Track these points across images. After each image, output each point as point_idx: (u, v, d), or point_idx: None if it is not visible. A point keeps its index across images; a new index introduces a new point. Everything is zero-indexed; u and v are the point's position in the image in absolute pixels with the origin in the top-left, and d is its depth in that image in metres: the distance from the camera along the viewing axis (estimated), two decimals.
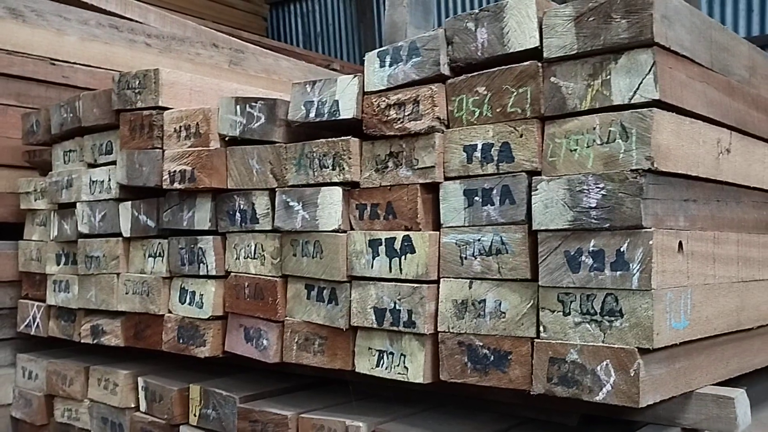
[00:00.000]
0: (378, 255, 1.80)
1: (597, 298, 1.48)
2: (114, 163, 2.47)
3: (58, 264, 2.75)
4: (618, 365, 1.44)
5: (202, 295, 2.21)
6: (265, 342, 2.06)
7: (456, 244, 1.69)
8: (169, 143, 2.27)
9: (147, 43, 3.76)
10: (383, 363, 1.80)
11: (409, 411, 1.97)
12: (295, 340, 1.99)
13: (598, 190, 1.48)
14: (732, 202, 1.76)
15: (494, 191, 1.63)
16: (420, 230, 1.75)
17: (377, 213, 1.84)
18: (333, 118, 1.91)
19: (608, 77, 1.49)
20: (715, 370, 1.69)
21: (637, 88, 1.45)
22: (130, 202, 2.43)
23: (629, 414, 1.65)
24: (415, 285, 1.73)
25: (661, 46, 1.45)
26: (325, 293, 1.92)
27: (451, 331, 1.68)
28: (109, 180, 2.49)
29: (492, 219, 1.64)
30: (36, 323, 2.88)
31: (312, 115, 1.95)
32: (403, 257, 1.76)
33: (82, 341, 2.64)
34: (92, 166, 2.59)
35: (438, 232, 1.73)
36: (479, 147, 1.67)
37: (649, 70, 1.44)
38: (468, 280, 1.66)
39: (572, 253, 1.51)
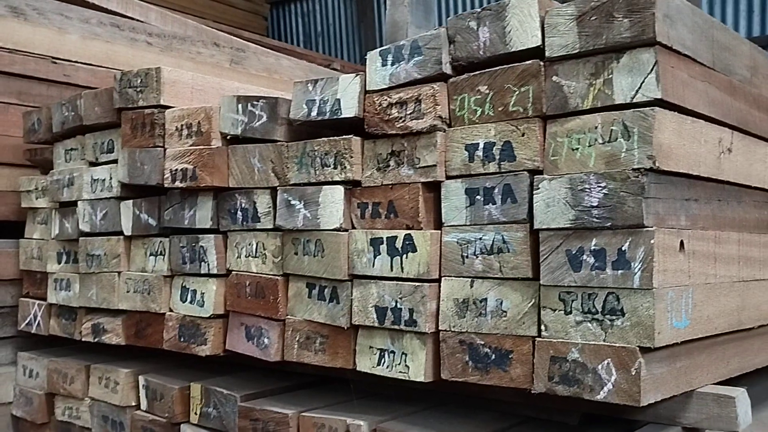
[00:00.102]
0: (379, 254, 1.81)
1: (598, 297, 1.48)
2: (115, 161, 2.47)
3: (59, 262, 2.75)
4: (619, 364, 1.44)
5: (203, 293, 2.21)
6: (266, 340, 2.06)
7: (457, 243, 1.69)
8: (171, 142, 2.27)
9: (148, 42, 3.76)
10: (384, 362, 1.80)
11: (410, 410, 1.97)
12: (296, 338, 2.00)
13: (599, 189, 1.48)
14: (733, 202, 1.77)
15: (496, 190, 1.63)
16: (421, 229, 1.75)
17: (379, 212, 1.84)
18: (335, 117, 1.91)
19: (610, 76, 1.49)
20: (716, 369, 1.69)
21: (639, 88, 1.46)
22: (131, 201, 2.43)
23: (630, 413, 1.65)
24: (417, 284, 1.73)
25: (663, 45, 1.46)
26: (327, 292, 1.92)
27: (452, 329, 1.68)
28: (111, 178, 2.49)
29: (493, 218, 1.64)
30: (37, 321, 2.88)
31: (314, 113, 1.95)
32: (404, 256, 1.76)
33: (82, 340, 2.64)
34: (93, 164, 2.59)
35: (439, 231, 1.73)
36: (481, 146, 1.67)
37: (651, 70, 1.44)
38: (469, 279, 1.67)
39: (574, 252, 1.51)
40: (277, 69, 4.32)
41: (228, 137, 2.17)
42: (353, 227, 1.89)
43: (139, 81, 2.36)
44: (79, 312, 2.66)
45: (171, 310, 2.32)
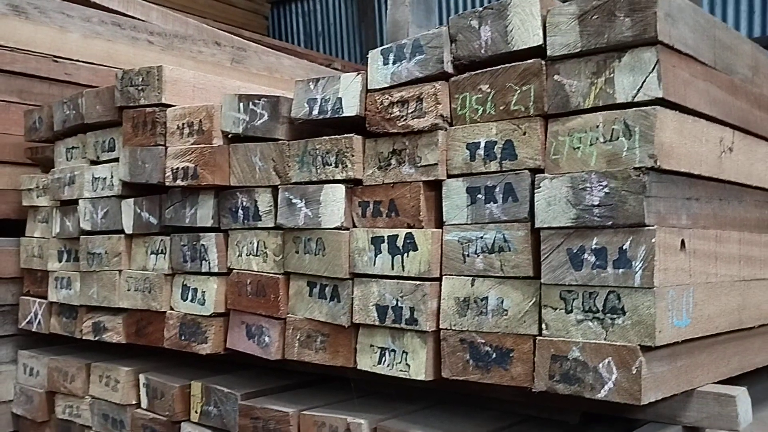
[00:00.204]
0: (380, 252, 1.81)
1: (599, 295, 1.48)
2: (116, 160, 2.47)
3: (60, 261, 2.75)
4: (620, 363, 1.44)
5: (204, 292, 2.21)
6: (266, 339, 2.06)
7: (458, 241, 1.69)
8: (172, 140, 2.27)
9: (149, 41, 3.76)
10: (385, 360, 1.80)
11: (410, 408, 1.97)
12: (297, 337, 2.00)
13: (601, 187, 1.48)
14: (734, 201, 1.77)
15: (497, 189, 1.64)
16: (422, 228, 1.75)
17: (380, 210, 1.84)
18: (336, 116, 1.91)
19: (612, 75, 1.49)
20: (717, 368, 1.70)
21: (641, 87, 1.46)
22: (132, 199, 2.43)
23: (630, 412, 1.65)
24: (418, 282, 1.73)
25: (664, 44, 1.46)
26: (328, 290, 1.92)
27: (453, 328, 1.68)
28: (112, 177, 2.49)
29: (495, 217, 1.64)
30: (37, 320, 2.88)
31: (315, 112, 1.95)
32: (405, 254, 1.76)
33: (83, 338, 2.65)
34: (95, 162, 2.60)
35: (440, 230, 1.73)
36: (482, 145, 1.67)
37: (653, 69, 1.44)
38: (470, 278, 1.67)
39: (575, 251, 1.51)
40: (278, 68, 4.32)
41: (229, 136, 2.17)
42: (354, 226, 1.89)
43: (140, 79, 2.36)
44: (80, 310, 2.67)
45: (172, 309, 2.32)
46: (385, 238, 1.80)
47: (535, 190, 1.57)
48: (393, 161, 1.82)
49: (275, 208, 2.04)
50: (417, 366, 1.74)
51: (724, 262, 1.68)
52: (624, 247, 1.45)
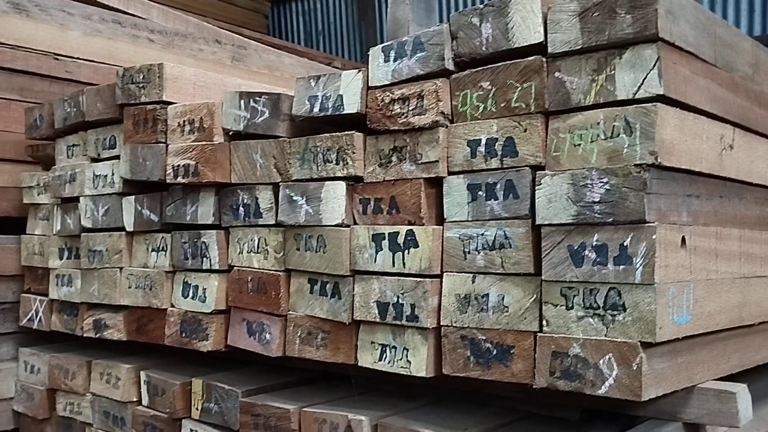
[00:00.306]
0: (381, 249, 1.81)
1: (600, 292, 1.49)
2: (117, 157, 2.47)
3: (61, 258, 2.76)
4: (620, 359, 1.44)
5: (205, 289, 2.21)
6: (267, 336, 2.07)
7: (459, 238, 1.69)
8: (173, 138, 2.27)
9: (150, 39, 3.77)
10: (386, 357, 1.80)
11: (411, 405, 1.98)
12: (298, 334, 2.00)
13: (601, 184, 1.48)
14: (735, 198, 1.77)
15: (498, 186, 1.64)
16: (423, 225, 1.75)
17: (381, 207, 1.84)
18: (337, 113, 1.91)
19: (612, 72, 1.50)
20: (717, 365, 1.70)
21: (642, 83, 1.46)
22: (133, 197, 2.44)
23: (631, 408, 1.66)
24: (418, 279, 1.73)
25: (665, 41, 1.46)
26: (328, 287, 1.93)
27: (454, 325, 1.69)
28: (113, 174, 2.49)
29: (495, 213, 1.64)
30: (38, 317, 2.88)
31: (316, 109, 1.96)
32: (406, 251, 1.77)
33: (84, 335, 2.65)
34: (95, 160, 2.60)
35: (441, 227, 1.73)
36: (483, 142, 1.67)
37: (654, 65, 1.45)
38: (471, 275, 1.67)
39: (575, 248, 1.51)
40: (278, 66, 4.32)
41: (230, 133, 2.17)
42: (355, 223, 1.89)
43: (141, 77, 2.36)
44: (81, 308, 2.67)
45: (172, 306, 2.32)
46: (386, 235, 1.80)
47: (536, 187, 1.57)
48: (394, 158, 1.82)
49: (276, 205, 2.04)
50: (418, 363, 1.74)
51: (725, 259, 1.68)
52: (625, 244, 1.45)
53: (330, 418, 1.91)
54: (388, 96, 1.81)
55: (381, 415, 1.87)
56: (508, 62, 1.64)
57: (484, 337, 1.64)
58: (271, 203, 2.06)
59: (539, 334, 1.56)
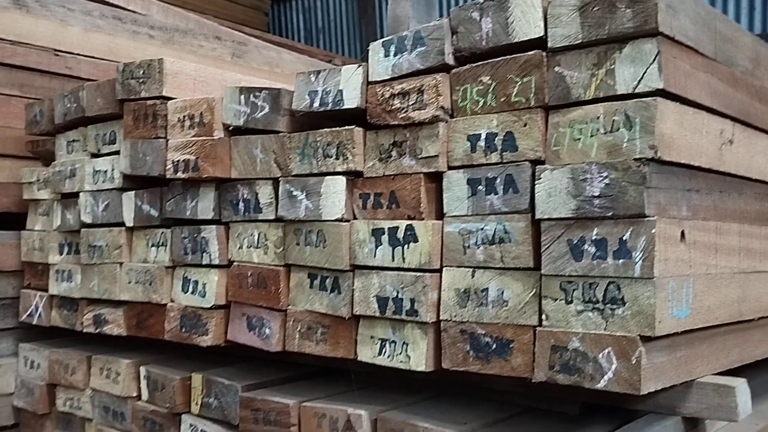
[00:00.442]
0: (381, 244, 1.81)
1: (599, 286, 1.49)
2: (117, 152, 2.47)
3: (61, 254, 2.76)
4: (620, 353, 1.44)
5: (205, 284, 2.21)
6: (267, 331, 2.07)
7: (459, 233, 1.69)
8: (173, 133, 2.27)
9: (150, 35, 3.76)
10: (386, 351, 1.81)
11: (410, 400, 1.98)
12: (298, 329, 2.00)
13: (601, 178, 1.48)
14: (734, 193, 1.77)
15: (498, 180, 1.64)
16: (423, 219, 1.75)
17: (380, 202, 1.84)
18: (337, 108, 1.91)
19: (612, 66, 1.50)
20: (717, 359, 1.70)
21: (642, 78, 1.46)
22: (133, 192, 2.44)
23: (630, 402, 1.66)
24: (418, 274, 1.74)
25: (665, 35, 1.46)
26: (328, 282, 1.93)
27: (453, 319, 1.69)
28: (113, 170, 2.49)
29: (495, 208, 1.64)
30: (38, 313, 2.89)
31: (316, 104, 1.96)
32: (406, 246, 1.77)
33: (84, 331, 2.65)
34: (95, 155, 2.60)
35: (441, 222, 1.73)
36: (483, 136, 1.67)
37: (654, 60, 1.45)
38: (471, 269, 1.67)
39: (575, 242, 1.51)
40: (278, 63, 4.32)
41: (230, 128, 2.17)
42: (355, 218, 1.90)
43: (141, 72, 2.36)
44: (81, 303, 2.67)
45: (172, 301, 2.32)
46: (386, 229, 1.80)
47: (536, 182, 1.57)
48: (394, 153, 1.82)
49: (276, 200, 2.05)
50: (417, 357, 1.74)
51: (724, 253, 1.68)
52: (624, 238, 1.45)
53: (329, 412, 1.91)
54: (388, 91, 1.81)
55: (380, 410, 1.88)
56: (508, 57, 1.64)
57: (483, 332, 1.64)
58: (271, 198, 2.06)
59: (538, 329, 1.56)
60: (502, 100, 1.65)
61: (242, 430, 2.11)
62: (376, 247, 1.82)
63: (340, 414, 1.89)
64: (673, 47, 1.50)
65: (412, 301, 1.73)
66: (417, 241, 1.75)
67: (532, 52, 1.60)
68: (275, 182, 2.05)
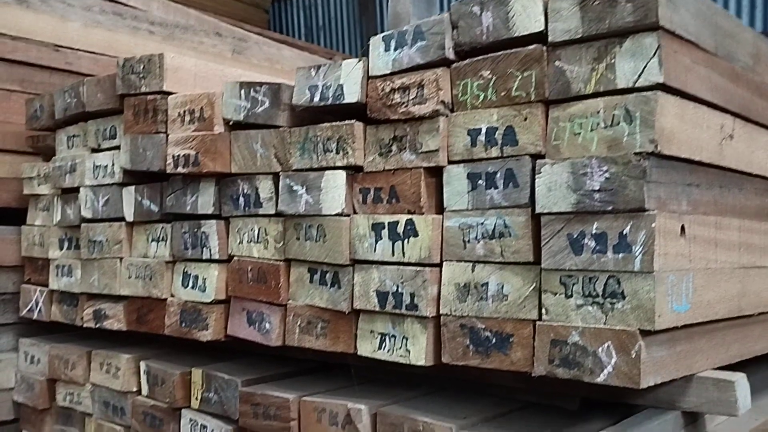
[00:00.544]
0: (381, 238, 1.81)
1: (599, 280, 1.49)
2: (118, 147, 2.47)
3: (61, 249, 2.76)
4: (619, 347, 1.44)
5: (205, 279, 2.21)
6: (267, 325, 2.07)
7: (459, 227, 1.69)
8: (173, 128, 2.27)
9: (150, 31, 3.76)
10: (385, 346, 1.81)
11: (410, 394, 1.98)
12: (298, 323, 2.00)
13: (601, 173, 1.48)
14: (734, 189, 1.77)
15: (498, 175, 1.64)
16: (423, 214, 1.75)
17: (380, 197, 1.84)
18: (337, 103, 1.91)
19: (613, 61, 1.50)
20: (716, 354, 1.70)
21: (642, 72, 1.46)
22: (133, 187, 2.44)
23: (629, 397, 1.66)
24: (418, 268, 1.74)
25: (666, 29, 1.46)
26: (328, 277, 1.93)
27: (453, 314, 1.69)
28: (113, 165, 2.49)
29: (495, 202, 1.64)
30: (38, 308, 2.89)
31: (316, 99, 1.96)
32: (406, 241, 1.77)
33: (84, 326, 2.65)
34: (96, 150, 2.60)
35: (441, 216, 1.73)
36: (483, 131, 1.67)
37: (654, 54, 1.45)
38: (471, 264, 1.67)
39: (575, 236, 1.51)
40: (278, 59, 4.32)
41: (230, 123, 2.17)
42: (355, 212, 1.90)
43: (141, 67, 2.36)
44: (81, 298, 2.67)
45: (172, 296, 2.32)
46: (386, 224, 1.80)
47: (536, 176, 1.57)
48: (394, 148, 1.82)
49: (276, 195, 2.05)
50: (417, 351, 1.74)
51: (724, 248, 1.68)
52: (624, 232, 1.45)
53: (329, 407, 1.91)
54: (389, 85, 1.81)
55: (380, 404, 1.88)
56: (508, 51, 1.64)
57: (483, 326, 1.64)
58: (271, 193, 2.06)
59: (538, 323, 1.56)
60: (502, 94, 1.65)
61: (242, 424, 2.12)
62: (376, 241, 1.82)
63: (339, 408, 1.89)
64: (674, 41, 1.50)
65: (412, 295, 1.73)
66: (417, 235, 1.75)
67: (532, 47, 1.60)
68: (275, 177, 2.05)
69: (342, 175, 1.89)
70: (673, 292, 1.47)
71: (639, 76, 1.46)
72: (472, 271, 1.67)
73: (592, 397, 1.75)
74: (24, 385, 2.91)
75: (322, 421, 1.92)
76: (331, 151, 1.92)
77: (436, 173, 1.77)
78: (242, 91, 2.13)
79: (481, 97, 1.69)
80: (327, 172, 1.92)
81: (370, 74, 1.86)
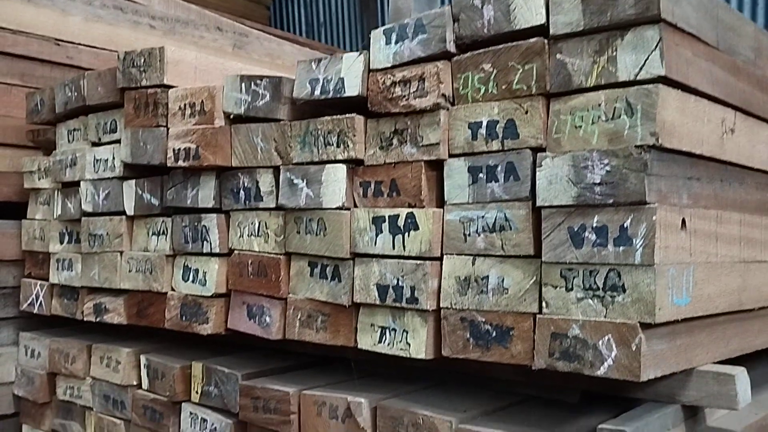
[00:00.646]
0: (381, 232, 1.81)
1: (600, 273, 1.49)
2: (118, 141, 2.47)
3: (62, 242, 2.76)
4: (620, 340, 1.44)
5: (206, 272, 2.21)
6: (267, 319, 2.07)
7: (460, 221, 1.69)
8: (174, 121, 2.27)
9: (151, 25, 3.76)
10: (386, 339, 1.81)
11: (410, 388, 1.98)
12: (298, 317, 2.00)
13: (602, 166, 1.48)
14: (735, 183, 1.77)
15: (499, 168, 1.64)
16: (423, 207, 1.75)
17: (381, 190, 1.84)
18: (338, 96, 1.91)
19: (614, 54, 1.49)
20: (716, 348, 1.70)
21: (643, 65, 1.46)
22: (134, 181, 2.44)
23: (629, 390, 1.66)
24: (419, 262, 1.73)
25: (667, 22, 1.45)
26: (329, 270, 1.93)
27: (453, 307, 1.69)
28: (113, 158, 2.49)
29: (496, 196, 1.64)
30: (39, 302, 2.89)
31: (317, 92, 1.95)
32: (406, 234, 1.77)
33: (84, 319, 2.65)
34: (96, 144, 2.60)
35: (442, 209, 1.73)
36: (484, 124, 1.67)
37: (656, 47, 1.44)
38: (471, 257, 1.67)
39: (576, 229, 1.51)
40: (279, 55, 4.31)
41: (231, 116, 2.17)
42: (355, 206, 1.90)
43: (142, 60, 2.36)
44: (81, 292, 2.67)
45: (173, 290, 2.32)
46: (386, 217, 1.80)
47: (537, 169, 1.57)
48: (395, 141, 1.82)
49: (277, 188, 2.04)
50: (417, 345, 1.74)
51: (725, 242, 1.68)
52: (625, 225, 1.45)
53: (329, 400, 1.91)
54: (390, 78, 1.81)
55: (380, 398, 1.88)
56: (509, 44, 1.64)
57: (483, 319, 1.64)
58: (272, 186, 2.06)
59: (539, 316, 1.56)
60: (503, 87, 1.65)
61: (242, 418, 2.12)
62: (377, 235, 1.82)
63: (340, 402, 1.89)
64: (675, 34, 1.49)
65: (413, 288, 1.73)
66: (417, 229, 1.74)
67: (533, 40, 1.60)
68: (276, 170, 2.05)
69: (342, 168, 1.89)
70: (673, 285, 1.47)
71: (640, 69, 1.46)
72: (473, 264, 1.67)
73: (593, 390, 1.75)
74: (24, 378, 2.91)
75: (323, 415, 1.92)
76: (332, 144, 1.92)
77: (436, 166, 1.76)
78: (243, 85, 2.12)
79: (482, 91, 1.68)
80: (327, 165, 1.92)
81: (371, 67, 1.85)
